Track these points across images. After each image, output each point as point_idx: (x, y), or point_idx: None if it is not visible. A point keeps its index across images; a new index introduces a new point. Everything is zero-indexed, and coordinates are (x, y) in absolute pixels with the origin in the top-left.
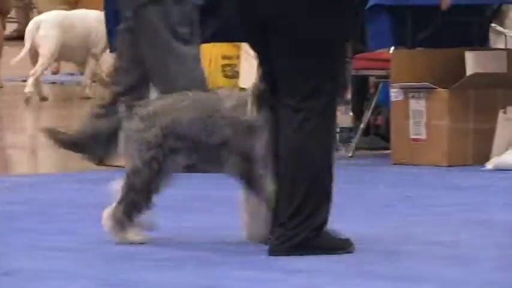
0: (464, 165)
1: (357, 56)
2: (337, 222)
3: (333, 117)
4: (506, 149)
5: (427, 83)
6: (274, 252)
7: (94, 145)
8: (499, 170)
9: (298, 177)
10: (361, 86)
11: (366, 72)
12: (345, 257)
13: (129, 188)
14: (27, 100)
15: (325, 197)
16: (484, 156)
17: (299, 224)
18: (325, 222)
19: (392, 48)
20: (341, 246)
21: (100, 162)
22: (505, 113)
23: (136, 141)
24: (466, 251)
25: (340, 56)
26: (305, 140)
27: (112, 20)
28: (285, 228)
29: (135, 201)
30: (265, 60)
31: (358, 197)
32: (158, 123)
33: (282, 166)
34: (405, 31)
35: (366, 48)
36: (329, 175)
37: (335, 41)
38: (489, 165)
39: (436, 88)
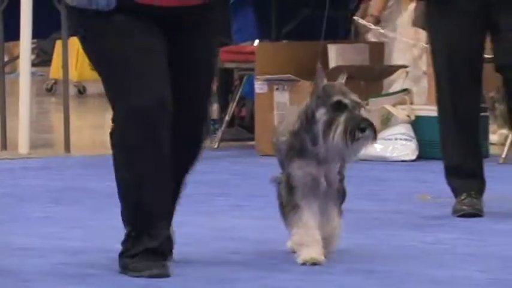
0: None
1: (222, 49)
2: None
3: None
4: None
5: (291, 75)
6: None
7: None
8: (360, 160)
9: None
10: (226, 78)
11: (230, 65)
12: None
13: None
14: None
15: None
16: None
17: None
18: None
19: (256, 41)
20: None
21: None
22: (367, 104)
23: None
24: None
25: None
26: None
27: None
28: None
29: None
30: None
31: (225, 188)
32: None
33: None
34: (269, 24)
35: (231, 41)
36: None
37: None
38: None
39: (299, 80)
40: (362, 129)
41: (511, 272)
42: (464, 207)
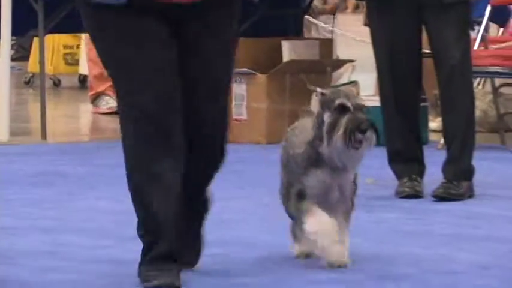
0: (281, 142)
1: None
2: None
3: None
4: None
5: (247, 69)
6: None
7: None
8: None
9: None
10: None
11: None
12: None
13: None
14: None
15: None
16: None
17: None
18: None
19: None
20: None
21: None
22: (317, 95)
23: None
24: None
25: None
26: None
27: None
28: None
29: None
30: None
31: None
32: None
33: None
34: None
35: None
36: None
37: None
38: None
39: (255, 74)
40: (363, 131)
41: (449, 248)
42: (406, 189)
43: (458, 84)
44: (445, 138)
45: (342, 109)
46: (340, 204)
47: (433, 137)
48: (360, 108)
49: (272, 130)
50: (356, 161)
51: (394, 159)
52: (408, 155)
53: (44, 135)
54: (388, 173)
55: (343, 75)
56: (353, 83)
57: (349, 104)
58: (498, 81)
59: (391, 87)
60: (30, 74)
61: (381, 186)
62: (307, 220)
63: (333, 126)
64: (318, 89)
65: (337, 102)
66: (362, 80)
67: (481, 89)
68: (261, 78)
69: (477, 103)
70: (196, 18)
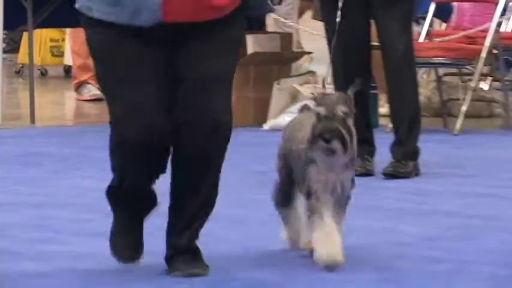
0: (247, 126)
1: None
2: None
3: None
4: (280, 114)
5: None
6: None
7: None
8: (273, 130)
9: None
10: None
11: None
12: None
13: None
14: None
15: None
16: (262, 119)
17: None
18: None
19: None
20: None
21: None
22: (278, 84)
23: None
24: (248, 196)
25: None
26: None
27: None
28: None
29: None
30: None
31: None
32: None
33: None
34: None
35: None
36: None
37: None
38: (266, 126)
39: None
40: (326, 140)
41: (398, 221)
42: (358, 168)
43: (403, 74)
44: (392, 122)
45: (318, 117)
46: (339, 202)
47: (382, 121)
48: (333, 117)
49: (238, 115)
50: (334, 166)
51: None
52: (360, 138)
53: (32, 119)
54: None
55: (302, 66)
56: (311, 72)
57: (323, 113)
58: (442, 70)
59: (343, 78)
60: (20, 65)
61: None
62: (316, 233)
63: (311, 133)
64: (312, 94)
65: (317, 110)
66: (319, 70)
67: (426, 77)
68: None
69: (422, 90)
70: (194, 38)
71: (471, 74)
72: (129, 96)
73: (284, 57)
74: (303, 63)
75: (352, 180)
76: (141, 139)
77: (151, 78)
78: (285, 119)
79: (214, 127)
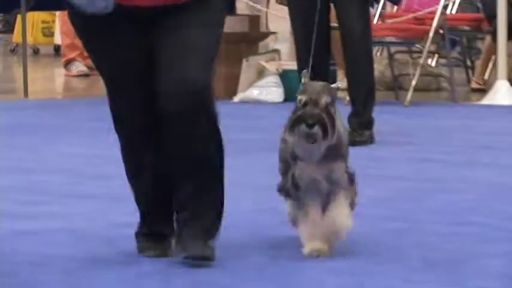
0: (218, 98)
1: None
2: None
3: None
4: (248, 87)
5: None
6: None
7: None
8: (242, 102)
9: None
10: None
11: None
12: None
13: None
14: None
15: None
16: (232, 92)
17: None
18: None
19: None
20: None
21: None
22: (247, 61)
23: None
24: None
25: None
26: None
27: None
28: None
29: None
30: None
31: None
32: None
33: None
34: None
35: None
36: None
37: None
38: (236, 99)
39: None
40: (309, 125)
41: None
42: None
43: (360, 53)
44: (350, 96)
45: (299, 104)
46: (333, 195)
47: (340, 94)
48: (317, 103)
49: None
50: (313, 153)
51: None
52: None
53: (26, 93)
54: None
55: (268, 45)
56: (275, 51)
57: (304, 99)
58: (393, 48)
59: (305, 54)
60: (15, 44)
61: None
62: (302, 227)
63: (290, 120)
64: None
65: (298, 97)
66: (282, 48)
67: (379, 55)
68: None
69: (376, 66)
70: (168, 19)
71: (420, 52)
72: (110, 70)
73: (252, 37)
74: (269, 42)
75: (348, 173)
76: (128, 108)
77: (131, 53)
78: (252, 92)
79: (193, 90)
